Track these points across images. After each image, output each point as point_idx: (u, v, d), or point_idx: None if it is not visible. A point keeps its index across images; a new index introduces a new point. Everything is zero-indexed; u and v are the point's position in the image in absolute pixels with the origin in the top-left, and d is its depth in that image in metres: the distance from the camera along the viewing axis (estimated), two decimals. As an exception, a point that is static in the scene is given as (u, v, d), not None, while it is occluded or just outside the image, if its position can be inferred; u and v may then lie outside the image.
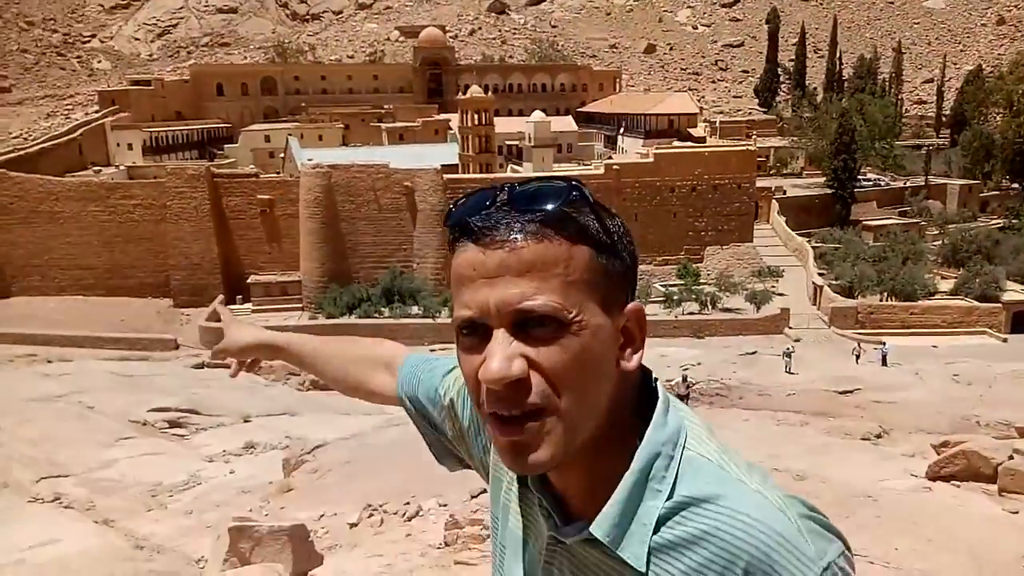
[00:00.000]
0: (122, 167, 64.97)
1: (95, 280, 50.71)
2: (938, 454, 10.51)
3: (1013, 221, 60.53)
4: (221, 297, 45.76)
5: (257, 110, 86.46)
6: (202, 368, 22.70)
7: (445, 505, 8.89)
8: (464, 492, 8.96)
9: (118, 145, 73.68)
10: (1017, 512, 8.12)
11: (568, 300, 0.86)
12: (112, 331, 43.54)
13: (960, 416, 17.91)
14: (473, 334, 0.89)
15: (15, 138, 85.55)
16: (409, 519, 8.86)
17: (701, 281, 49.97)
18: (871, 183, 68.84)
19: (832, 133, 63.33)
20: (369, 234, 50.99)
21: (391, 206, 50.90)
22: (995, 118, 77.62)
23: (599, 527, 0.89)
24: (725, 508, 0.84)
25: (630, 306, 0.93)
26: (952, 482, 9.49)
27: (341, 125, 76.83)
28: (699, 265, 52.64)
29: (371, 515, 9.15)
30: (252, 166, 63.37)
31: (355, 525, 8.96)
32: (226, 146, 76.72)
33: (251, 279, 50.55)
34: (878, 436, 15.02)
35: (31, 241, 50.06)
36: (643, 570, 0.87)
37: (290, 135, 67.36)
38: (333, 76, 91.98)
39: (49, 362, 21.44)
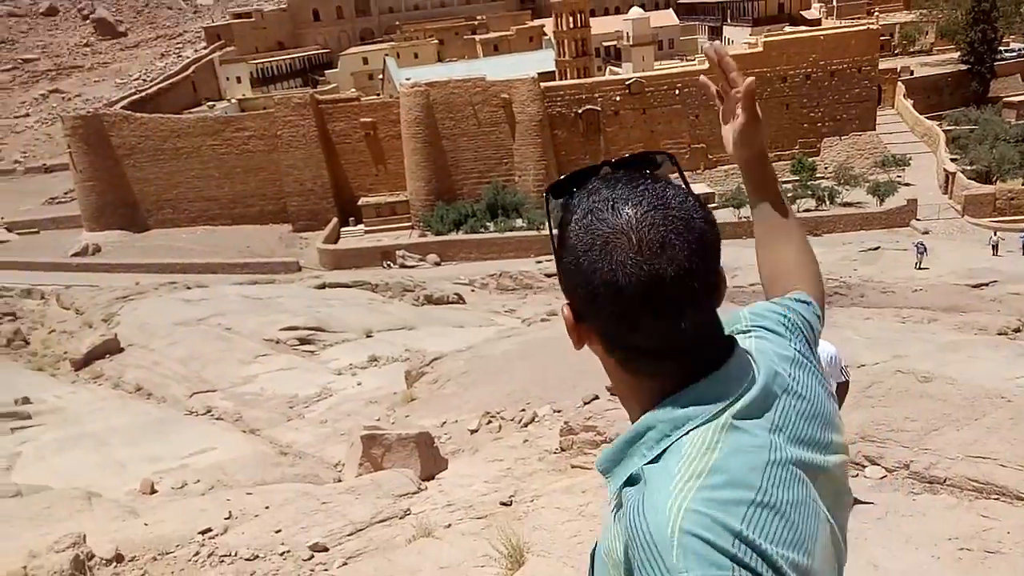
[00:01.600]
0: (233, 100, 67.58)
1: (220, 210, 53.91)
2: (1084, 349, 9.77)
3: None
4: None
5: (353, 33, 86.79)
6: (323, 288, 23.96)
7: (559, 412, 9.19)
8: (577, 399, 9.20)
9: (227, 79, 76.42)
10: None
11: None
12: (240, 257, 46.51)
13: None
14: None
15: (135, 80, 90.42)
16: (525, 425, 9.24)
17: (818, 175, 47.22)
18: (1015, 54, 61.66)
19: (968, 1, 56.75)
20: (470, 149, 51.08)
21: (489, 120, 50.55)
22: None
23: (599, 459, 1.07)
24: (641, 495, 0.95)
25: (564, 307, 1.06)
26: (1100, 378, 8.81)
27: (436, 41, 76.08)
28: (815, 159, 49.61)
29: (490, 422, 9.61)
30: (353, 90, 64.24)
31: (475, 431, 9.45)
32: (327, 71, 77.94)
33: (361, 201, 52.18)
34: (1016, 330, 14.05)
35: (160, 177, 53.50)
36: (613, 505, 1.03)
37: (387, 55, 67.48)
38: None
39: (188, 288, 23.23)
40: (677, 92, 50.21)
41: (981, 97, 55.51)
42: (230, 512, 6.64)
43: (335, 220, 51.46)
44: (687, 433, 0.97)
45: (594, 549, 1.13)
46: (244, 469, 8.62)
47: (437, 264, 42.59)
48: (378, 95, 59.25)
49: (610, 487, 1.03)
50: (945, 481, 6.23)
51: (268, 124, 52.58)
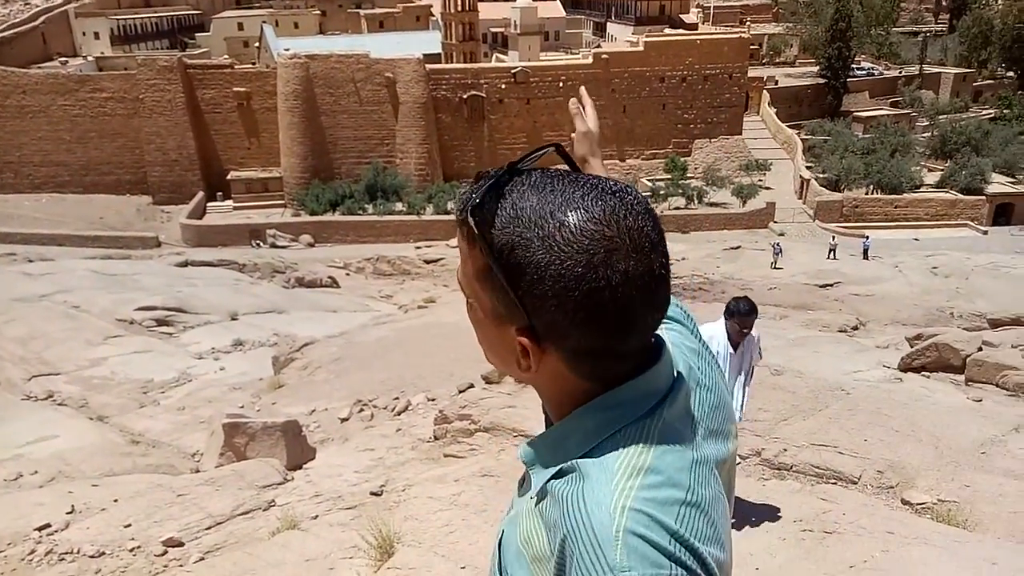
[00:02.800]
0: (90, 58, 62.13)
1: (71, 177, 49.56)
2: (911, 346, 10.82)
3: (1004, 111, 59.79)
4: None
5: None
6: (185, 266, 22.62)
7: (433, 400, 9.13)
8: (452, 387, 9.19)
9: (84, 34, 70.20)
10: (980, 400, 8.45)
11: (467, 287, 0.99)
12: (91, 229, 43.02)
13: (936, 308, 18.33)
14: None
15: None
16: (399, 414, 9.12)
17: (688, 175, 49.59)
18: (864, 72, 67.37)
19: (828, 19, 61.33)
20: (350, 128, 49.73)
21: (372, 98, 49.40)
22: (996, 2, 75.25)
23: (523, 451, 1.06)
24: (579, 488, 0.94)
25: (520, 338, 0.95)
26: (923, 373, 9.81)
27: (318, 11, 73.37)
28: (687, 159, 52.08)
29: (361, 410, 9.41)
30: (226, 56, 60.82)
31: (346, 420, 9.23)
32: (197, 35, 73.27)
33: (231, 175, 49.58)
34: (855, 328, 15.40)
35: (0, 137, 48.52)
36: (535, 498, 1.01)
37: (264, 22, 64.36)
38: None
39: (30, 261, 21.25)
40: (561, 84, 51.05)
41: (835, 110, 60.26)
42: (73, 506, 6.12)
43: (201, 194, 48.60)
44: (621, 429, 0.97)
45: (500, 538, 1.11)
46: (90, 459, 7.97)
47: (310, 245, 41.26)
48: (254, 64, 56.39)
49: (534, 479, 1.02)
50: (792, 468, 6.72)
51: (129, 87, 48.79)
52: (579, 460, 0.97)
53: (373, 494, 6.20)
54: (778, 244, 28.49)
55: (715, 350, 5.06)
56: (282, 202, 48.93)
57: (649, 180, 49.27)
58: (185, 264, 23.28)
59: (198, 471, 7.66)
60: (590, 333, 0.92)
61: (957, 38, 72.26)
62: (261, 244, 40.86)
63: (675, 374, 1.04)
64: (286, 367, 11.85)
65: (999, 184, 45.35)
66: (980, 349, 9.71)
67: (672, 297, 1.20)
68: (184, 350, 13.43)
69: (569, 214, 0.90)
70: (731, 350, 5.30)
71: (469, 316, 1.02)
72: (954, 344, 9.84)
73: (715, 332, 5.25)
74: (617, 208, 0.90)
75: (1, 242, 36.55)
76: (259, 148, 50.39)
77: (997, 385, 8.88)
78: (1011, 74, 68.56)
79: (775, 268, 26.08)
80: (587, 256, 0.88)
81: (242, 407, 9.79)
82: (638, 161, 52.71)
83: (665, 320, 1.13)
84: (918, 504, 6.05)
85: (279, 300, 18.51)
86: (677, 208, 45.85)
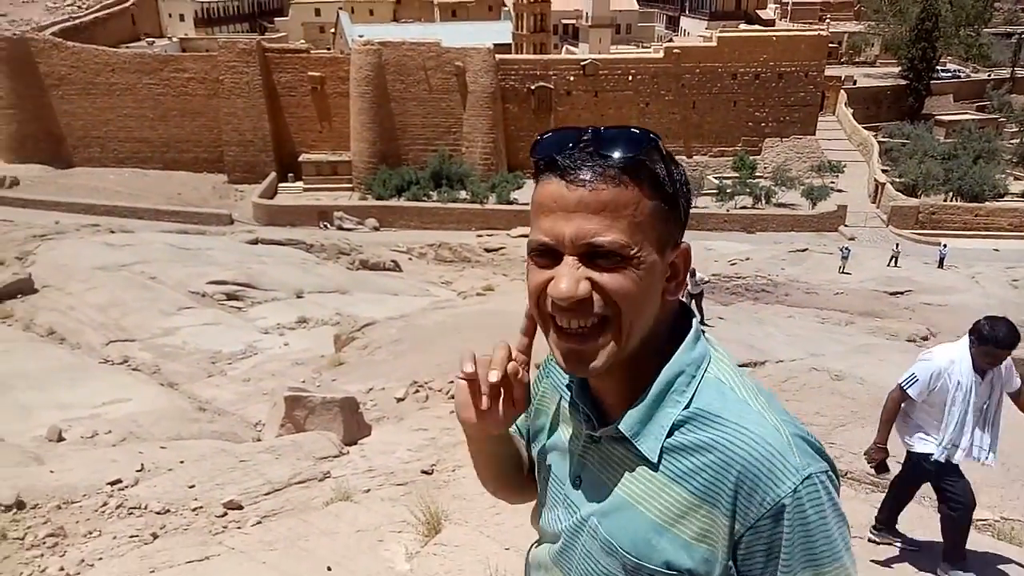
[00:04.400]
0: (175, 39, 64.57)
1: (152, 153, 51.67)
2: (984, 360, 10.36)
3: (1102, 120, 56.37)
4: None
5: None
6: (256, 244, 23.34)
7: (487, 385, 9.23)
8: (505, 374, 9.27)
9: (170, 16, 72.93)
10: (1057, 421, 8.06)
11: (633, 239, 1.01)
12: (170, 204, 44.79)
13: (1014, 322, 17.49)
14: (545, 256, 1.04)
15: (69, 5, 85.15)
16: (453, 397, 9.27)
17: (757, 174, 48.44)
18: (950, 75, 64.40)
19: (913, 18, 58.79)
20: (419, 115, 50.31)
21: (441, 87, 49.83)
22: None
23: (625, 424, 1.09)
24: (728, 422, 1.03)
25: (682, 246, 1.09)
26: (994, 388, 9.40)
27: (392, -1, 74.37)
28: (756, 157, 50.85)
29: (417, 391, 9.60)
30: (302, 41, 62.23)
31: (402, 400, 9.43)
32: (276, 19, 75.29)
33: (302, 158, 50.83)
34: (924, 338, 14.85)
35: (89, 112, 50.82)
36: (655, 462, 1.06)
37: (340, 9, 65.59)
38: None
39: (112, 232, 22.30)
40: (630, 78, 50.51)
41: (916, 113, 57.82)
42: (142, 464, 6.46)
43: (273, 175, 50.03)
44: (707, 369, 1.09)
45: (598, 537, 1.11)
46: (159, 422, 8.38)
47: (376, 229, 42.01)
48: (328, 49, 57.57)
49: (645, 447, 1.07)
50: (847, 474, 6.58)
51: (210, 68, 50.48)
52: (694, 409, 1.06)
53: (424, 472, 6.35)
54: (847, 248, 27.62)
55: (955, 379, 4.22)
56: (350, 186, 49.93)
57: (716, 177, 48.34)
58: (256, 242, 24.05)
59: (259, 440, 7.97)
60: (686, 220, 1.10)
61: (1055, 40, 68.33)
62: (328, 226, 41.83)
63: None
64: (347, 346, 12.15)
65: (1092, 196, 42.86)
66: (1058, 367, 9.25)
67: None
68: (251, 324, 13.91)
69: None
70: (976, 378, 4.24)
71: (629, 288, 1.01)
72: (1030, 360, 9.40)
73: (956, 356, 4.30)
74: None
75: (86, 212, 38.46)
76: (330, 132, 51.49)
77: (1074, 405, 8.45)
78: (1113, 80, 64.53)
79: (843, 272, 25.30)
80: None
81: (303, 382, 10.11)
82: (705, 158, 51.76)
83: None
84: (979, 520, 5.85)
85: (343, 281, 18.96)
86: (744, 207, 44.89)
